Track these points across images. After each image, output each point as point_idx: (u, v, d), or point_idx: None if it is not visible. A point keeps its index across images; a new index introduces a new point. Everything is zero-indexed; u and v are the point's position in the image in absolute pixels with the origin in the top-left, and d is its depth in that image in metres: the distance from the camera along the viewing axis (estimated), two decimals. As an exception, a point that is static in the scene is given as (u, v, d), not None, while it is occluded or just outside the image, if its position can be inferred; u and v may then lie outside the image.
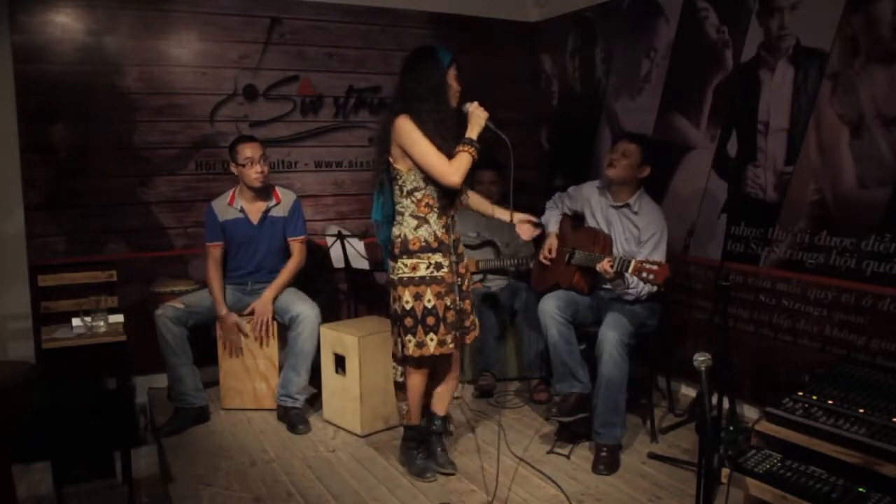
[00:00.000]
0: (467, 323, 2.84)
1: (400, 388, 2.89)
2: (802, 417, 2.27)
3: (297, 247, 3.57)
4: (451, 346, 2.71)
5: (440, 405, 2.94)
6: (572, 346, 3.08)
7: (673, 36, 3.73)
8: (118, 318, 3.52)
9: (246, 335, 3.44)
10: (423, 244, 2.65)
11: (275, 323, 3.47)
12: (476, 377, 3.82)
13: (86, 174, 3.69)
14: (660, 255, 3.05)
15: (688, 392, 3.73)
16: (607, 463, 2.88)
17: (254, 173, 3.38)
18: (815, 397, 2.37)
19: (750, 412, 3.37)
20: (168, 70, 3.83)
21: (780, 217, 3.21)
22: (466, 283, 2.84)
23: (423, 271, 2.65)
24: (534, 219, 2.94)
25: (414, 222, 2.66)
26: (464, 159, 2.60)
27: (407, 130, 2.57)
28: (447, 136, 2.60)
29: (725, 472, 2.18)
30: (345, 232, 3.85)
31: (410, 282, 2.65)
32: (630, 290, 3.03)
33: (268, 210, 3.50)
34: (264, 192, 3.50)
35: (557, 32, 4.58)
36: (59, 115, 3.61)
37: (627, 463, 2.95)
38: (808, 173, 3.08)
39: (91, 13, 3.64)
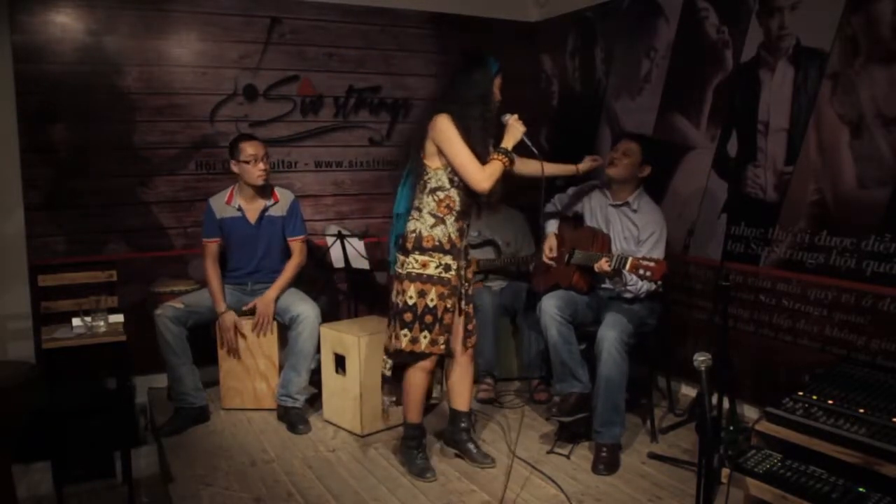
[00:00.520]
0: (470, 327, 2.88)
1: (386, 381, 2.90)
2: (802, 417, 2.27)
3: (297, 246, 3.57)
4: (443, 347, 2.73)
5: (462, 401, 2.97)
6: (572, 345, 3.08)
7: (673, 36, 3.73)
8: (118, 318, 3.51)
9: (244, 336, 3.44)
10: (437, 243, 2.68)
11: (275, 323, 3.47)
12: (476, 378, 3.81)
13: (86, 174, 3.69)
14: (658, 254, 3.05)
15: (688, 392, 3.73)
16: (607, 463, 2.88)
17: (257, 171, 3.38)
18: (815, 397, 2.37)
19: (750, 412, 3.37)
20: (168, 70, 3.83)
21: (780, 217, 3.21)
22: (471, 287, 2.88)
23: (431, 270, 2.68)
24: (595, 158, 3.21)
25: (431, 220, 2.69)
26: (496, 167, 2.63)
27: (446, 129, 2.60)
28: (486, 144, 2.65)
29: (725, 472, 2.18)
30: (345, 232, 3.85)
31: (418, 278, 2.68)
32: (629, 288, 3.04)
33: (265, 209, 3.50)
34: (263, 191, 3.50)
35: (557, 32, 4.58)
36: (59, 115, 3.61)
37: (627, 463, 2.95)
38: (808, 173, 3.08)
39: (91, 13, 3.64)
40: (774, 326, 3.26)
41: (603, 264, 2.95)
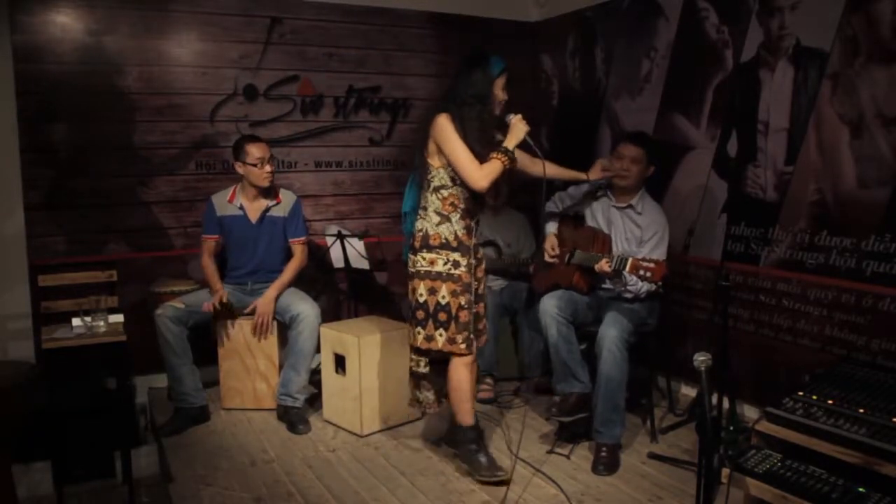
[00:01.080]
0: (480, 326, 2.88)
1: (417, 377, 2.89)
2: (802, 417, 2.27)
3: (298, 248, 3.57)
4: (463, 346, 2.70)
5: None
6: (572, 345, 3.08)
7: (673, 36, 3.73)
8: (118, 318, 3.52)
9: (241, 335, 3.44)
10: (444, 241, 2.69)
11: (275, 322, 3.47)
12: (477, 379, 3.82)
13: (86, 174, 3.69)
14: (660, 254, 3.06)
15: (688, 392, 3.73)
16: (607, 463, 2.88)
17: (264, 173, 3.39)
18: (815, 397, 2.37)
19: (750, 412, 3.37)
20: (168, 70, 3.83)
21: (780, 217, 3.21)
22: (482, 286, 2.87)
23: (440, 267, 2.68)
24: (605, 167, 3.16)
25: (437, 218, 2.69)
26: (495, 166, 2.62)
27: (444, 128, 2.61)
28: (485, 143, 2.64)
29: (725, 472, 2.18)
30: (345, 232, 3.85)
31: (427, 275, 2.69)
32: (629, 288, 3.04)
33: (267, 210, 3.51)
34: (267, 191, 3.50)
35: (557, 32, 4.58)
36: (59, 115, 3.61)
37: (627, 463, 2.95)
38: (808, 173, 3.08)
39: (91, 13, 3.64)
40: (774, 326, 3.26)
41: (603, 265, 2.96)
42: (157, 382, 3.76)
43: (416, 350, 2.80)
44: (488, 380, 3.72)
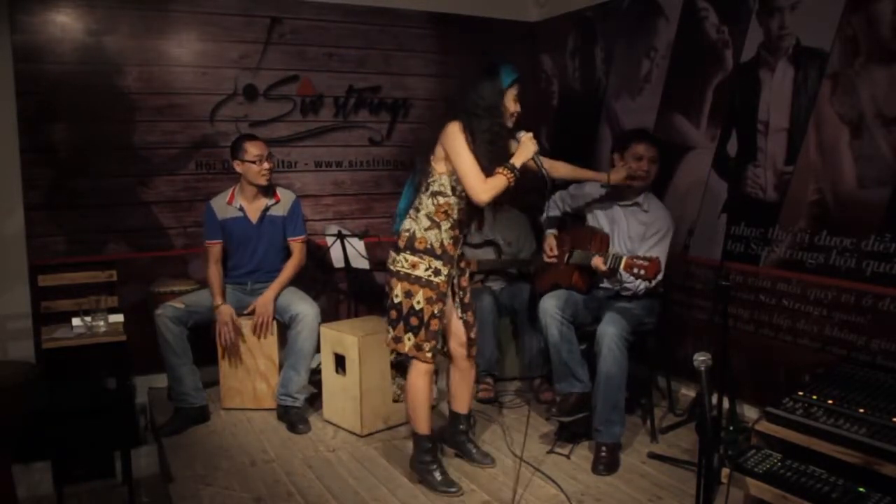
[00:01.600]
0: (472, 335, 2.87)
1: (393, 367, 2.90)
2: (802, 417, 2.27)
3: (297, 247, 3.57)
4: (429, 354, 2.67)
5: (461, 404, 2.96)
6: (572, 345, 3.08)
7: (673, 36, 3.73)
8: (118, 318, 3.52)
9: (244, 336, 3.44)
10: (429, 246, 2.66)
11: (275, 322, 3.47)
12: (476, 378, 3.81)
13: (86, 174, 3.69)
14: (660, 251, 3.06)
15: (688, 392, 3.73)
16: (607, 463, 2.88)
17: (263, 170, 3.39)
18: (815, 397, 2.37)
19: (750, 412, 3.37)
20: (168, 70, 3.83)
21: (780, 217, 3.21)
22: (468, 296, 2.85)
23: (420, 272, 2.65)
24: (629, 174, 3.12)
25: (427, 223, 2.67)
26: (499, 182, 2.58)
27: (455, 137, 2.57)
28: (493, 157, 2.60)
29: (725, 472, 2.18)
30: (345, 232, 3.85)
31: (406, 278, 2.66)
32: (627, 286, 3.05)
33: (267, 209, 3.51)
34: (265, 191, 3.50)
35: (557, 32, 4.58)
36: (59, 115, 3.61)
37: (627, 463, 2.95)
38: (808, 173, 3.08)
39: (91, 13, 3.64)
40: (774, 326, 3.26)
41: (598, 262, 2.96)
42: (157, 382, 3.76)
43: (399, 358, 2.81)
44: (488, 380, 3.72)
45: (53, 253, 3.66)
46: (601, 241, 3.18)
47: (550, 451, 3.06)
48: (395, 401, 3.04)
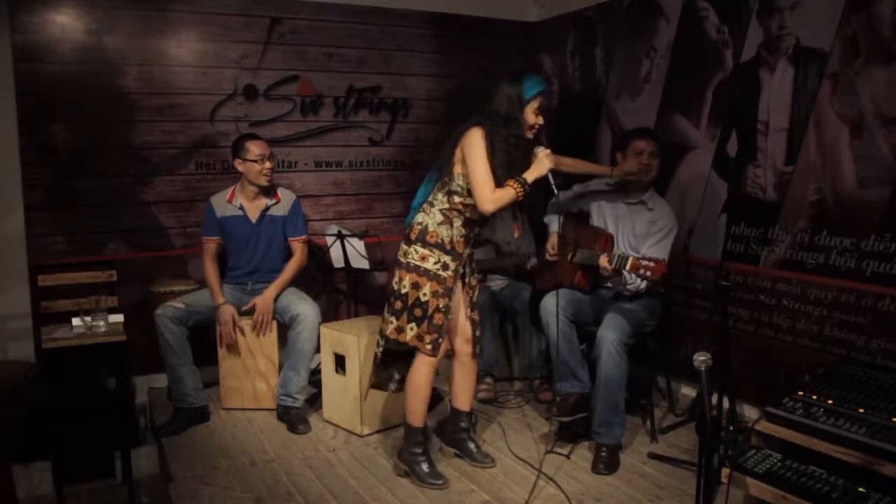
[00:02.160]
0: (478, 333, 2.90)
1: (376, 360, 2.88)
2: (802, 417, 2.27)
3: (298, 247, 3.58)
4: (429, 346, 2.69)
5: (463, 401, 2.97)
6: (573, 344, 3.08)
7: (673, 36, 3.73)
8: (118, 317, 3.52)
9: (244, 335, 3.44)
10: (439, 241, 2.69)
11: (275, 322, 3.47)
12: (477, 379, 3.81)
13: (86, 174, 3.69)
14: (663, 249, 3.06)
15: (688, 392, 3.73)
16: (607, 463, 2.88)
17: (264, 169, 3.40)
18: (815, 397, 2.37)
19: (750, 412, 3.36)
20: (168, 70, 3.83)
21: (780, 217, 3.21)
22: (476, 294, 2.89)
23: (430, 265, 2.67)
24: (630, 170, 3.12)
25: (440, 217, 2.69)
26: (507, 194, 2.60)
27: (474, 143, 2.59)
28: (506, 167, 2.61)
29: (725, 472, 2.19)
30: (345, 232, 3.85)
31: (415, 270, 2.68)
32: (629, 286, 3.05)
33: (267, 209, 3.51)
34: (266, 190, 3.51)
35: (557, 32, 4.58)
36: (59, 115, 3.61)
37: (627, 463, 2.95)
38: (808, 173, 3.08)
39: (91, 13, 3.64)
40: (774, 326, 3.26)
41: (604, 262, 2.96)
42: (157, 382, 3.76)
43: (384, 336, 2.80)
44: (488, 379, 3.72)
45: (53, 253, 3.66)
46: (606, 241, 3.17)
47: (550, 451, 3.06)
48: (372, 387, 2.98)
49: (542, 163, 2.68)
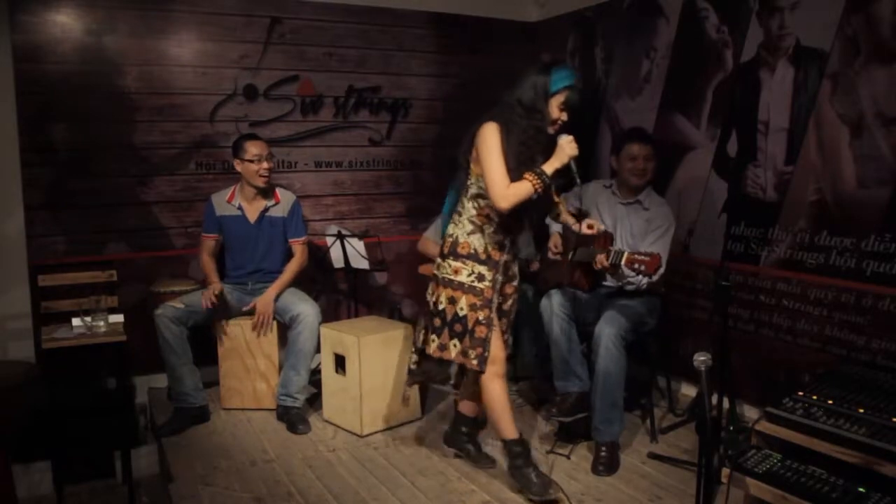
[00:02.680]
0: (505, 337, 2.80)
1: (411, 374, 2.84)
2: (802, 417, 2.27)
3: (299, 248, 3.58)
4: (475, 361, 2.58)
5: (470, 408, 2.95)
6: (573, 343, 3.09)
7: (673, 36, 3.73)
8: (118, 318, 3.51)
9: (242, 336, 3.44)
10: (472, 251, 2.59)
11: (275, 322, 3.47)
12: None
13: (86, 174, 3.69)
14: (661, 247, 3.07)
15: (688, 392, 3.73)
16: (607, 463, 2.88)
17: (261, 169, 3.40)
18: (815, 397, 2.37)
19: (750, 412, 3.36)
20: (168, 70, 3.83)
21: (780, 217, 3.21)
22: (510, 304, 2.78)
23: (464, 277, 2.59)
24: (592, 223, 2.82)
25: (469, 227, 2.60)
26: (523, 188, 2.45)
27: (487, 138, 2.46)
28: (522, 159, 2.47)
29: (725, 472, 2.18)
30: (345, 232, 3.85)
31: (449, 284, 2.60)
32: (631, 281, 3.07)
33: (266, 210, 3.51)
34: (265, 191, 3.51)
35: (557, 32, 4.58)
36: (59, 115, 3.61)
37: (627, 463, 2.95)
38: (808, 173, 3.08)
39: (91, 13, 3.64)
40: (774, 326, 3.26)
41: (601, 258, 2.96)
42: (157, 382, 3.76)
43: (421, 352, 2.75)
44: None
45: (53, 253, 3.66)
46: (605, 239, 3.18)
47: (550, 451, 3.06)
48: (406, 399, 3.02)
49: (563, 151, 2.48)
